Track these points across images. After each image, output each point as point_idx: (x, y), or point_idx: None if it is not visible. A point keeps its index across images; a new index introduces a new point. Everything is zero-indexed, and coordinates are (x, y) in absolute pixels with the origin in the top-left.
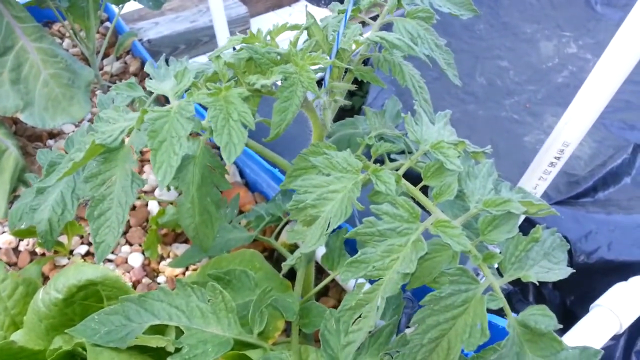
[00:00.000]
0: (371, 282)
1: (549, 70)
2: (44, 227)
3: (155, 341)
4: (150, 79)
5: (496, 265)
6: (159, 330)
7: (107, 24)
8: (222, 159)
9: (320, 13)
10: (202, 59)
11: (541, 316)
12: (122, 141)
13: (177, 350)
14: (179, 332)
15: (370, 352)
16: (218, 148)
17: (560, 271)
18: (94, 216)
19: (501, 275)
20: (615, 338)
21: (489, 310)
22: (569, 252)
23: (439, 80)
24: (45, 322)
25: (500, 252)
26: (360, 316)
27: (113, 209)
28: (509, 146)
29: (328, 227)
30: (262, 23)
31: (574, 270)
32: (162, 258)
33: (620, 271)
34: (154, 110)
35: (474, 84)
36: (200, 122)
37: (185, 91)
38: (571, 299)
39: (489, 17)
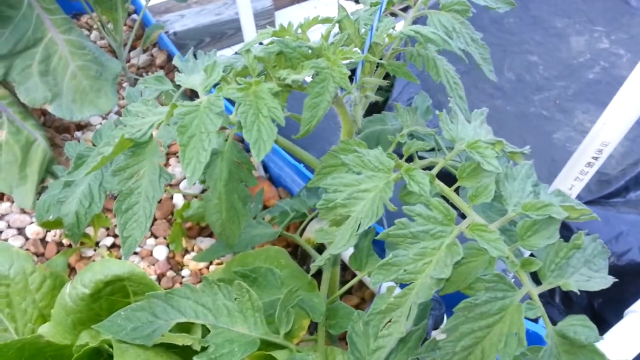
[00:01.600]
0: (401, 285)
1: (579, 66)
2: (71, 220)
3: (181, 339)
4: (179, 72)
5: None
6: (185, 328)
7: (134, 16)
8: (248, 151)
9: (346, 6)
10: (228, 51)
11: (581, 327)
12: (151, 135)
13: (203, 349)
14: (205, 330)
15: (399, 356)
16: (244, 142)
17: (601, 280)
18: (121, 210)
19: (539, 282)
20: None
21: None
22: None
23: (467, 75)
24: (72, 317)
25: (534, 257)
26: (390, 321)
27: (140, 203)
28: (538, 143)
29: (358, 228)
30: (287, 16)
31: (617, 280)
32: (186, 251)
33: None
34: (183, 105)
35: (503, 79)
36: (228, 116)
37: (214, 85)
38: (599, 302)
39: (519, 11)
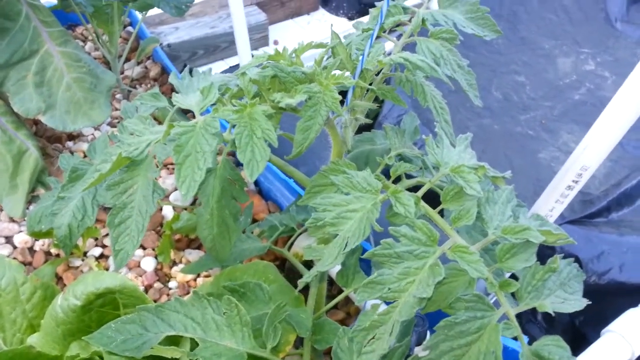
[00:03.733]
0: (386, 302)
1: (566, 87)
2: (64, 232)
3: (170, 352)
4: (172, 84)
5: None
6: (174, 340)
7: (129, 28)
8: (239, 165)
9: (338, 22)
10: (221, 64)
11: (555, 347)
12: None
13: None
14: (194, 343)
15: None
16: (236, 157)
17: (576, 302)
18: (114, 224)
19: (517, 302)
20: None
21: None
22: None
23: (455, 94)
24: (63, 328)
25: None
26: (373, 337)
27: (133, 217)
28: (524, 162)
29: (346, 246)
30: (281, 31)
31: (590, 302)
32: (174, 263)
33: (632, 294)
34: (180, 125)
35: (490, 98)
36: (222, 134)
37: (210, 106)
38: (580, 320)
39: (507, 32)
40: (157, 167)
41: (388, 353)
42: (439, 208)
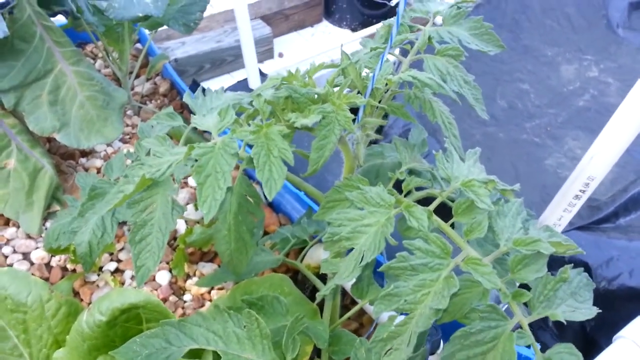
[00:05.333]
0: (402, 314)
1: (569, 94)
2: (84, 249)
3: None
4: (186, 107)
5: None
6: (197, 354)
7: (138, 45)
8: (253, 179)
9: (342, 34)
10: (227, 77)
11: (568, 354)
12: None
13: None
14: (216, 356)
15: None
16: (253, 177)
17: (586, 311)
18: (135, 241)
19: (529, 312)
20: None
21: None
22: (590, 277)
23: (461, 103)
24: (88, 343)
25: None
26: (391, 348)
27: (153, 234)
28: (530, 169)
29: (362, 260)
30: (286, 43)
31: (600, 310)
32: (188, 276)
33: None
34: (200, 147)
35: (495, 107)
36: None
37: (227, 128)
38: (591, 325)
39: (510, 41)
40: (175, 184)
41: None
42: (450, 221)
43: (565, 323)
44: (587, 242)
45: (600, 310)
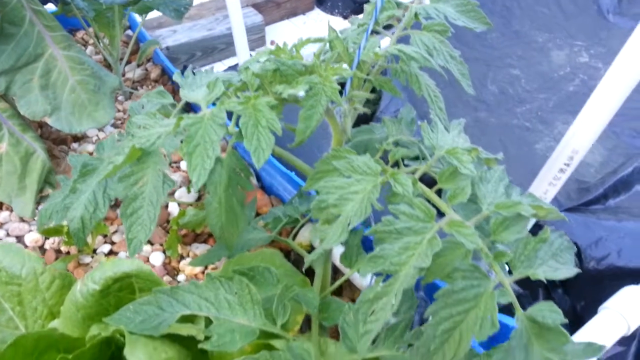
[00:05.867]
0: (387, 277)
1: (560, 79)
2: (77, 225)
3: (186, 329)
4: (176, 87)
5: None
6: (189, 320)
7: (129, 32)
8: (245, 160)
9: (334, 21)
10: (219, 65)
11: (548, 311)
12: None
13: (207, 338)
14: (208, 322)
15: (387, 344)
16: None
17: (567, 270)
18: (126, 214)
19: (511, 273)
20: (626, 344)
21: (500, 310)
22: (579, 257)
23: (451, 87)
24: (82, 312)
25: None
26: (377, 308)
27: (145, 207)
28: (520, 153)
29: (349, 225)
30: (277, 31)
31: (580, 270)
32: (181, 257)
33: (631, 277)
34: (189, 117)
35: (486, 92)
36: (227, 127)
37: (216, 100)
38: (581, 305)
39: (501, 26)
40: (166, 159)
41: (392, 327)
42: (435, 188)
43: (545, 282)
44: (577, 223)
45: (587, 282)
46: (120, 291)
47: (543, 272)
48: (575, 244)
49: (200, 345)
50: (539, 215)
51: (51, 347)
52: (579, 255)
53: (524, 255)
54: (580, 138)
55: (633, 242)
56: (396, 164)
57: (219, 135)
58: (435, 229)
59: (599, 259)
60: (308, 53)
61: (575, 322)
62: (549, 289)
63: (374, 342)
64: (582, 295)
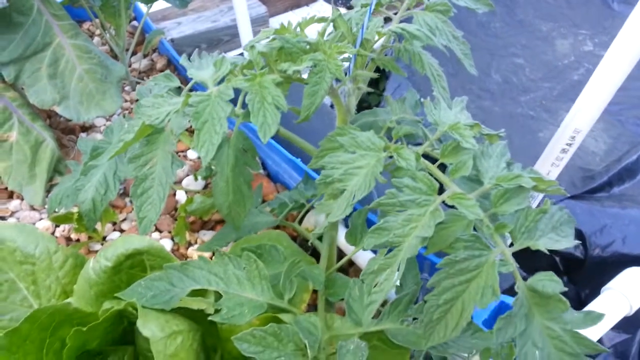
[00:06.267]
0: (390, 250)
1: (564, 68)
2: (88, 206)
3: (196, 303)
4: (182, 75)
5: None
6: (198, 295)
7: (134, 23)
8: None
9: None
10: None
11: (548, 281)
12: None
13: (217, 311)
14: (218, 296)
15: (391, 318)
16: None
17: (567, 241)
18: (137, 194)
19: (512, 244)
20: (632, 332)
21: (502, 292)
22: (584, 245)
23: (455, 77)
24: (95, 289)
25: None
26: (381, 279)
27: (154, 187)
28: (525, 142)
29: (353, 198)
30: (281, 22)
31: (580, 242)
32: (189, 244)
33: (635, 264)
34: (197, 95)
35: (490, 81)
36: (234, 109)
37: (223, 79)
38: (586, 292)
39: (505, 15)
40: (175, 139)
41: (395, 301)
42: (437, 163)
43: (547, 252)
44: (582, 211)
45: (579, 242)
46: (132, 268)
47: (543, 243)
48: (580, 231)
49: (210, 318)
50: (539, 188)
51: (66, 321)
52: (583, 242)
53: (525, 226)
54: (582, 117)
55: (637, 229)
56: (399, 141)
57: (226, 111)
58: (438, 202)
59: (603, 246)
60: (312, 35)
61: (580, 309)
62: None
63: (378, 315)
64: (586, 283)
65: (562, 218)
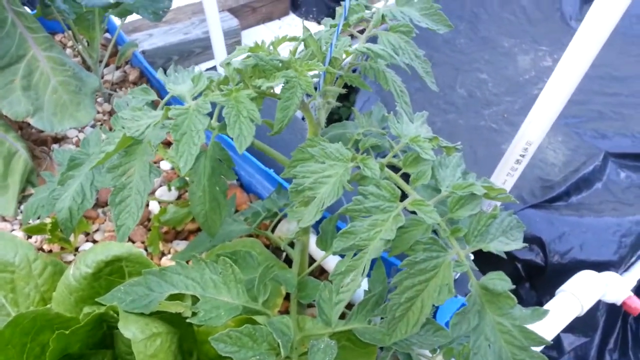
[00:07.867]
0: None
1: (525, 83)
2: (65, 215)
3: (174, 307)
4: (156, 88)
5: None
6: (176, 299)
7: (107, 35)
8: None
9: (308, 26)
10: (196, 69)
11: (499, 280)
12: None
13: (194, 314)
14: (195, 300)
15: (359, 318)
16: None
17: (516, 244)
18: (115, 202)
19: (466, 247)
20: (590, 335)
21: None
22: (544, 252)
23: (422, 92)
24: (75, 295)
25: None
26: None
27: (132, 195)
28: (488, 153)
29: (323, 205)
30: (253, 35)
31: (527, 245)
32: (163, 254)
33: (592, 269)
34: (175, 108)
35: (455, 95)
36: (210, 122)
37: (200, 93)
38: (547, 299)
39: (469, 32)
40: (153, 149)
41: (363, 301)
42: (400, 173)
43: (497, 253)
44: (541, 219)
45: (527, 245)
46: (111, 275)
47: (494, 246)
48: (540, 238)
49: (188, 320)
50: (490, 196)
51: (46, 326)
52: (543, 249)
53: (477, 230)
54: (533, 130)
55: (594, 236)
56: (366, 152)
57: (204, 124)
58: (400, 208)
59: (562, 253)
60: (284, 53)
61: None
62: (516, 284)
63: (346, 316)
64: (547, 290)
65: (512, 223)
